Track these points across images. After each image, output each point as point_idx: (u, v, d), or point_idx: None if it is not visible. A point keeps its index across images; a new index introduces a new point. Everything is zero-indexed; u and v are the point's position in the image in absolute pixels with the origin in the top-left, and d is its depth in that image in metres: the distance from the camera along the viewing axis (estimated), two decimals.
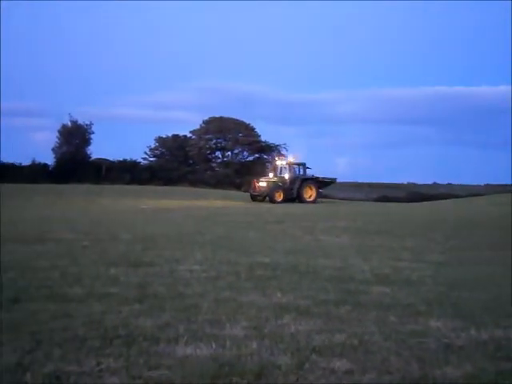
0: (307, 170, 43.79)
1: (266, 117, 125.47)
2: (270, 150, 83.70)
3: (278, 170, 44.42)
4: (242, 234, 15.95)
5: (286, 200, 40.96)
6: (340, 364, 4.49)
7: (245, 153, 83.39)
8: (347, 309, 6.34)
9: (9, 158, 65.23)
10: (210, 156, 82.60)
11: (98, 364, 4.38)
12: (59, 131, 73.24)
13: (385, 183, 76.35)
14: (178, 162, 77.53)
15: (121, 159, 72.51)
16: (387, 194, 63.93)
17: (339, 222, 20.45)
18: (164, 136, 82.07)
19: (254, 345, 4.91)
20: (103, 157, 72.41)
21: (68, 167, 65.02)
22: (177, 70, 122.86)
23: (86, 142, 73.42)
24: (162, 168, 73.42)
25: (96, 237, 13.84)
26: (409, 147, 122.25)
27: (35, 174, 62.57)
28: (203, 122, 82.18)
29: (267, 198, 41.26)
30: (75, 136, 72.59)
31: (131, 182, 64.65)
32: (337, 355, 4.70)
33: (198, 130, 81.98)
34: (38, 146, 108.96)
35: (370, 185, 73.77)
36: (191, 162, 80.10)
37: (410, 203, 49.47)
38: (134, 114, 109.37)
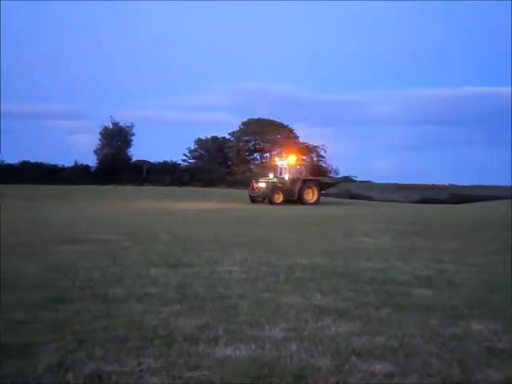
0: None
1: (305, 118, 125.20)
2: (309, 151, 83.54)
3: (279, 171, 43.33)
4: (281, 235, 15.95)
5: (286, 201, 39.88)
6: (380, 367, 4.46)
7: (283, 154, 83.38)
8: (387, 311, 6.29)
9: (51, 160, 66.43)
10: (248, 157, 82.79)
11: (139, 364, 4.42)
12: (101, 133, 74.34)
13: (426, 184, 75.42)
14: (217, 164, 77.87)
15: (161, 161, 73.19)
16: (428, 195, 63.11)
17: (380, 224, 20.28)
18: (203, 138, 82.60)
19: (294, 346, 4.90)
20: (144, 158, 73.18)
21: (109, 169, 65.86)
22: (216, 72, 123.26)
23: (127, 143, 74.29)
24: (201, 170, 73.83)
25: (136, 238, 14.00)
26: (450, 148, 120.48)
27: (77, 175, 63.55)
28: (242, 124, 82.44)
29: (266, 200, 40.30)
30: (116, 138, 73.53)
31: (171, 183, 65.19)
32: (377, 358, 4.66)
33: (237, 131, 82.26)
34: (80, 147, 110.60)
35: (410, 186, 72.88)
36: (230, 163, 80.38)
37: (452, 205, 48.80)
38: (174, 116, 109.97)
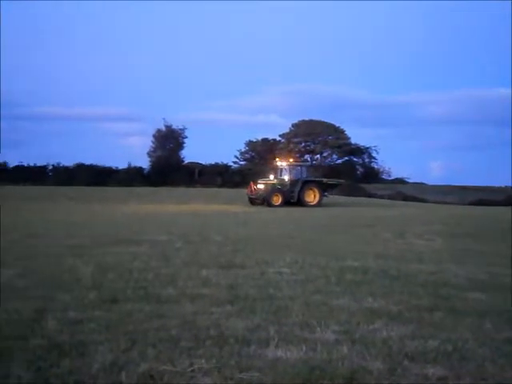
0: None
1: (357, 119, 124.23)
2: (361, 152, 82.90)
3: (279, 172, 41.59)
4: (332, 237, 15.88)
5: (287, 203, 38.51)
6: (433, 370, 4.40)
7: (334, 156, 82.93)
8: (441, 315, 6.20)
9: (106, 162, 67.67)
10: (299, 159, 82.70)
11: (191, 364, 4.45)
12: (154, 136, 75.43)
13: (480, 186, 73.90)
14: (268, 166, 77.96)
15: (213, 163, 73.72)
16: (483, 197, 61.81)
17: (432, 226, 19.99)
18: (254, 140, 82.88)
19: (345, 349, 4.87)
20: (196, 161, 73.85)
21: (162, 171, 66.67)
22: (268, 74, 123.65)
23: (180, 146, 75.13)
24: (251, 171, 74.03)
25: (188, 239, 14.13)
26: (507, 149, 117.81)
27: (131, 177, 64.56)
28: (292, 126, 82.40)
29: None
30: (169, 140, 74.43)
31: (223, 185, 65.57)
32: (430, 361, 4.60)
33: (287, 133, 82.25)
34: (134, 150, 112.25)
35: (464, 188, 71.57)
36: None
37: (507, 207, 47.66)
38: (226, 119, 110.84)
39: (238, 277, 8.48)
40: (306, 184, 39.88)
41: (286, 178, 40.24)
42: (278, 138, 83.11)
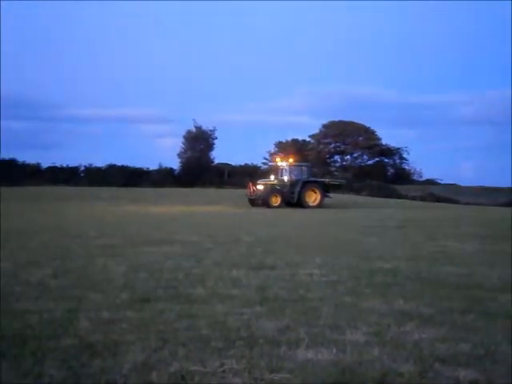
0: None
1: (387, 120, 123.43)
2: (391, 153, 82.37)
3: (280, 172, 40.58)
4: (362, 238, 15.80)
5: (288, 204, 37.71)
6: (465, 373, 4.36)
7: (364, 156, 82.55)
8: (473, 317, 6.13)
9: (137, 163, 68.19)
10: (328, 160, 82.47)
11: (222, 365, 4.47)
12: (184, 137, 75.82)
13: None
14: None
15: (242, 164, 73.88)
16: None
17: (464, 228, 19.78)
18: (283, 141, 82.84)
19: (376, 351, 4.85)
20: (225, 161, 74.09)
21: (192, 172, 67.00)
22: (298, 75, 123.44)
23: (210, 147, 75.41)
24: None
25: (219, 239, 14.19)
26: None
27: (162, 178, 64.98)
28: (322, 126, 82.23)
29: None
30: (199, 141, 74.76)
31: None
32: (462, 364, 4.56)
33: (317, 134, 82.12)
34: (165, 151, 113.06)
35: (496, 189, 70.58)
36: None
37: None
38: (255, 120, 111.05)
39: (268, 278, 8.49)
40: (307, 184, 38.99)
41: (286, 178, 39.37)
42: (308, 139, 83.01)
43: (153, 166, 68.54)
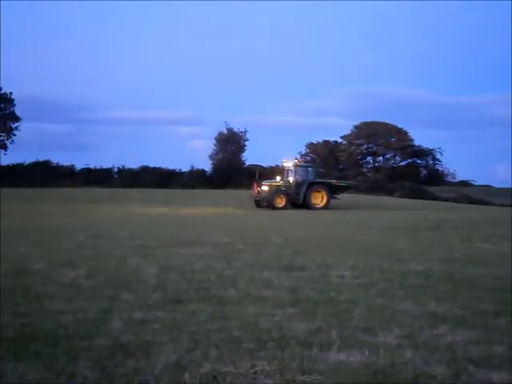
0: None
1: (420, 121, 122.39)
2: (424, 154, 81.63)
3: (286, 173, 39.93)
4: (394, 240, 15.67)
5: (294, 206, 37.09)
6: (499, 376, 4.31)
7: (397, 158, 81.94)
8: (507, 320, 6.05)
9: (170, 165, 68.70)
10: (360, 161, 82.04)
11: (253, 366, 4.47)
12: (216, 139, 76.25)
13: None
14: (329, 168, 77.68)
15: (273, 165, 73.85)
16: None
17: (498, 229, 19.50)
18: (314, 142, 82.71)
19: (408, 354, 4.81)
20: (257, 163, 74.18)
21: (224, 173, 67.25)
22: (330, 76, 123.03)
23: (241, 148, 75.70)
24: None
25: (249, 241, 14.20)
26: None
27: (194, 179, 65.32)
28: (354, 127, 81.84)
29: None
30: (231, 143, 75.08)
31: None
32: (495, 367, 4.50)
33: (349, 135, 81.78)
34: (197, 153, 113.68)
35: None
36: (341, 167, 79.93)
37: None
38: (286, 121, 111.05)
39: (300, 279, 8.48)
40: (313, 186, 38.30)
41: (291, 179, 38.77)
42: (340, 140, 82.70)
43: (185, 168, 69.02)
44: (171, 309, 6.41)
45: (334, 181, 41.48)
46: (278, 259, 10.62)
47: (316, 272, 9.18)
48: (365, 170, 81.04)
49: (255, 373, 4.36)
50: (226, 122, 76.61)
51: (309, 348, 4.94)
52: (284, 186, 38.47)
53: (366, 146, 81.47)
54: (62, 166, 67.15)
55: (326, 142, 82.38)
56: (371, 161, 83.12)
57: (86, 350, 4.86)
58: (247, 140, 75.92)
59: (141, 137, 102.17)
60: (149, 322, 5.78)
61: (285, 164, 40.66)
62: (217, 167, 71.77)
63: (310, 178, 39.04)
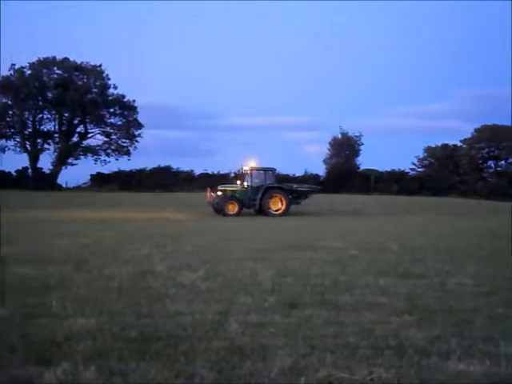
0: None
1: None
2: None
3: (245, 178, 36.70)
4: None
5: (258, 212, 34.56)
6: None
7: None
8: None
9: (284, 170, 69.16)
10: (481, 165, 79.11)
11: (370, 373, 4.43)
12: (330, 143, 76.10)
13: None
14: (448, 172, 75.46)
15: (389, 170, 72.70)
16: None
17: None
18: (433, 146, 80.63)
19: None
20: (372, 167, 73.26)
21: (337, 178, 66.92)
22: (450, 79, 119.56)
23: (356, 153, 75.08)
24: (430, 178, 72.01)
25: (363, 246, 14.03)
26: None
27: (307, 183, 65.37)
28: (475, 131, 79.07)
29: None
30: (345, 147, 74.65)
31: (399, 192, 64.42)
32: None
33: (469, 138, 79.08)
34: (311, 157, 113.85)
35: None
36: (461, 171, 77.44)
37: None
38: (403, 125, 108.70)
39: (417, 286, 8.30)
40: (269, 190, 35.46)
41: (247, 184, 36.12)
42: (459, 144, 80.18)
43: (298, 173, 69.20)
44: (287, 313, 6.45)
45: (295, 185, 38.45)
46: (394, 266, 10.43)
47: (434, 279, 8.96)
48: (486, 175, 78.06)
49: (372, 380, 4.32)
50: (340, 126, 76.35)
51: (427, 357, 4.84)
52: (240, 192, 36.02)
53: (487, 149, 78.52)
54: (182, 171, 69.57)
55: (444, 146, 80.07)
56: (493, 165, 79.98)
57: (204, 351, 4.98)
58: (362, 144, 75.35)
59: (258, 142, 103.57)
60: (265, 326, 5.85)
61: (244, 168, 37.72)
62: (330, 172, 71.55)
63: (268, 182, 36.24)
